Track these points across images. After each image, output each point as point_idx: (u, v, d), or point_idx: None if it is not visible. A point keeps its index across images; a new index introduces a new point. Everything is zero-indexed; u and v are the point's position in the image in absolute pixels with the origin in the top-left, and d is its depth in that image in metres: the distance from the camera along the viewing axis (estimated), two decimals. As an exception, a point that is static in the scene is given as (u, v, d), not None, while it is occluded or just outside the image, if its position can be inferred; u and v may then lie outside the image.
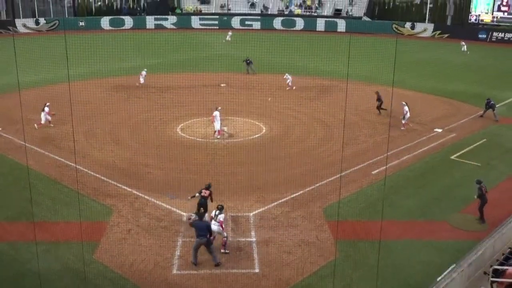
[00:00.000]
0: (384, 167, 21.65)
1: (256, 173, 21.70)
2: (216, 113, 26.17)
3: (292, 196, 19.91)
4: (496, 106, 31.82)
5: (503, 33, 69.57)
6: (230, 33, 63.10)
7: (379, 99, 31.50)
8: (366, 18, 78.97)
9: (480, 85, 40.90)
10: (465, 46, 59.07)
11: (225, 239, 16.19)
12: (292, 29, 75.43)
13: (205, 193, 17.50)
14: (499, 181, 22.07)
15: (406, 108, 28.70)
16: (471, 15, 72.58)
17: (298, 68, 41.18)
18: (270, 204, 19.28)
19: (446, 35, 72.20)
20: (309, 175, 21.83)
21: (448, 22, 76.23)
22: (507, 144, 27.20)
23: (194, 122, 29.10)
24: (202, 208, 17.11)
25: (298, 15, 79.70)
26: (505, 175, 22.83)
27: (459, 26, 73.74)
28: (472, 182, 19.14)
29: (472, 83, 41.26)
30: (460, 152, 25.46)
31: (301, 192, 20.27)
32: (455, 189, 21.06)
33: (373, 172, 22.34)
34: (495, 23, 70.71)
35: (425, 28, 74.43)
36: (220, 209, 16.29)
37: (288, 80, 37.60)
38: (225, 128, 27.25)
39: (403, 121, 28.75)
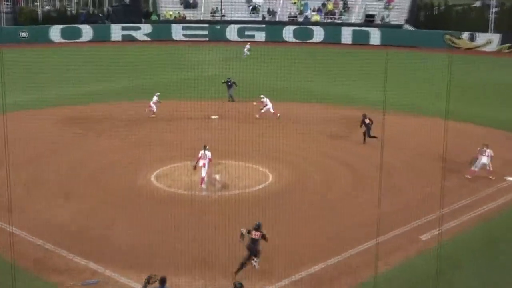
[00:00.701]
0: (438, 231, 21.41)
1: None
2: (205, 153, 26.49)
3: (309, 271, 19.64)
4: None
5: None
6: (248, 46, 64.16)
7: (364, 123, 32.55)
8: (408, 27, 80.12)
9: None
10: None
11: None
12: (308, 41, 76.55)
13: (256, 235, 18.98)
14: None
15: (488, 151, 28.74)
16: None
17: (316, 94, 41.46)
18: (280, 282, 19.01)
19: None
20: (333, 240, 21.59)
21: (520, 32, 77.16)
22: None
23: (175, 168, 29.04)
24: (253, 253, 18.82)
25: (316, 23, 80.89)
26: None
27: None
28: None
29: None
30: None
31: (322, 265, 20.01)
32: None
33: (422, 238, 22.12)
34: None
35: (489, 40, 75.40)
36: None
37: (266, 106, 38.64)
38: (217, 176, 27.17)
39: (473, 168, 28.79)
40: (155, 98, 39.59)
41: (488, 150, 28.89)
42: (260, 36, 77.92)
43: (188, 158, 29.26)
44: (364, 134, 33.67)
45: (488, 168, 28.81)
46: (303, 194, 26.05)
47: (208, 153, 26.86)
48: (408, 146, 32.65)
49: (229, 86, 43.60)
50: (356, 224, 22.88)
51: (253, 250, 19.25)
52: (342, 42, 76.20)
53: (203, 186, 26.50)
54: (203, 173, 26.55)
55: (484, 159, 28.76)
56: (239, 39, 76.11)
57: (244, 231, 19.55)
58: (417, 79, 51.10)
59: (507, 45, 73.81)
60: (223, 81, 43.82)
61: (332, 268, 19.93)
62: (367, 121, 33.99)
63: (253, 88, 41.00)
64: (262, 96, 39.81)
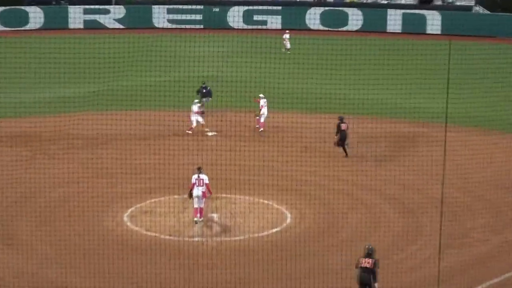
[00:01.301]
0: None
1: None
2: (200, 178, 27.06)
3: None
4: None
5: None
6: (287, 35, 64.78)
7: (340, 128, 34.14)
8: (480, 10, 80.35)
9: None
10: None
11: None
12: (340, 29, 76.76)
13: (367, 262, 20.43)
14: None
15: None
16: None
17: (352, 103, 41.45)
18: None
19: None
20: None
21: None
22: None
23: (156, 204, 29.17)
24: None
25: (352, 4, 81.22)
26: None
27: None
28: None
29: None
30: None
31: None
32: None
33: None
34: None
35: None
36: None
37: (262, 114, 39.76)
38: (215, 216, 27.25)
39: None
40: (195, 108, 40.18)
41: None
42: (275, 22, 78.20)
43: (174, 190, 29.32)
44: (339, 143, 34.97)
45: None
46: (333, 242, 26.00)
47: (205, 177, 27.16)
48: (479, 175, 32.53)
49: (204, 94, 43.63)
50: (409, 284, 22.82)
51: (364, 281, 20.51)
52: (388, 31, 76.47)
53: (199, 219, 26.94)
54: (196, 203, 26.85)
55: None
56: (246, 26, 76.24)
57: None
58: (492, 81, 51.13)
59: None
60: (197, 90, 44.07)
61: None
62: (343, 126, 34.99)
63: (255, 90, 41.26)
64: (261, 95, 40.59)
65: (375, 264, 20.60)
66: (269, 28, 76.00)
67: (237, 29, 75.94)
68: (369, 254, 20.79)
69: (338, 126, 35.04)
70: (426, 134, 37.64)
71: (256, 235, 26.53)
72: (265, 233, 26.76)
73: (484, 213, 28.94)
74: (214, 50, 59.44)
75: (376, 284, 20.40)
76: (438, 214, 25.82)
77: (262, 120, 40.13)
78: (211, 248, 25.34)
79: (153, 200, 29.54)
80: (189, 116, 40.09)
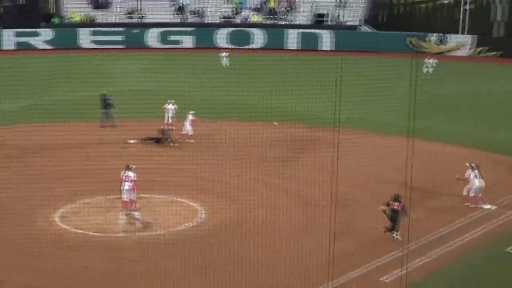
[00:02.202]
0: (401, 271, 21.86)
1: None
2: (128, 174, 27.70)
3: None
4: None
5: None
6: (224, 53, 64.53)
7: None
8: (366, 28, 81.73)
9: None
10: (431, 65, 61.21)
11: None
12: (246, 47, 77.10)
13: (396, 205, 24.59)
14: None
15: (471, 173, 29.90)
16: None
17: (256, 111, 41.73)
18: None
19: (496, 54, 75.02)
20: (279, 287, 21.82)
21: (497, 33, 79.36)
22: None
23: (85, 205, 28.92)
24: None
25: (256, 25, 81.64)
26: None
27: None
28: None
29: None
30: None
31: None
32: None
33: (384, 280, 22.51)
34: None
35: (461, 43, 77.34)
36: None
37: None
38: (136, 214, 27.18)
39: (471, 194, 29.89)
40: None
41: (474, 172, 29.81)
42: (188, 41, 78.29)
43: (101, 192, 29.20)
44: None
45: (474, 194, 29.93)
46: (241, 234, 26.08)
47: (132, 174, 27.78)
48: (368, 172, 33.18)
49: (106, 105, 43.10)
50: (306, 269, 23.07)
51: (393, 218, 25.19)
52: (288, 48, 77.17)
53: (129, 211, 27.22)
54: (126, 196, 27.42)
55: (478, 182, 29.73)
56: (163, 46, 76.36)
57: (383, 207, 25.78)
58: (377, 90, 52.03)
59: (482, 48, 75.86)
60: (101, 102, 43.38)
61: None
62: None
63: (189, 103, 41.30)
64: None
65: (403, 207, 24.84)
66: (183, 47, 76.02)
67: (156, 48, 75.93)
68: (396, 199, 25.12)
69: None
70: (322, 137, 38.03)
71: (173, 229, 26.55)
72: (181, 227, 26.81)
73: (371, 204, 29.41)
74: (134, 67, 59.15)
75: (404, 217, 24.57)
76: (332, 206, 26.27)
77: (186, 129, 40.17)
78: (134, 242, 25.27)
79: (82, 202, 29.31)
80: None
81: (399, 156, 31.18)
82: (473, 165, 30.43)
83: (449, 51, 76.93)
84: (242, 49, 75.67)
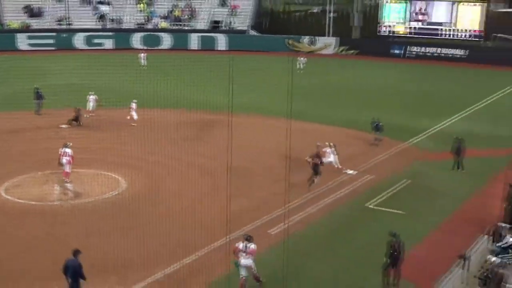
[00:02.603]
0: (284, 224, 22.10)
1: (115, 246, 21.17)
2: (65, 151, 27.41)
3: (165, 271, 19.66)
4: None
5: (419, 47, 75.35)
6: (143, 54, 63.18)
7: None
8: (253, 32, 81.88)
9: (400, 113, 43.72)
10: (303, 61, 62.00)
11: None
12: (157, 48, 76.12)
13: (317, 161, 28.10)
14: (429, 231, 23.52)
15: (330, 150, 30.52)
16: (380, 26, 77.78)
17: (166, 99, 41.27)
18: (135, 284, 18.93)
19: (354, 52, 76.71)
20: (187, 242, 21.68)
21: (355, 35, 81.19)
22: (434, 185, 29.11)
23: (26, 179, 28.13)
24: None
25: (164, 30, 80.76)
26: (434, 224, 24.31)
27: (368, 39, 78.78)
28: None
29: (390, 112, 43.92)
30: (379, 199, 26.86)
31: (177, 266, 20.07)
32: (374, 247, 21.97)
33: (270, 232, 22.80)
34: (410, 35, 76.44)
35: (327, 44, 78.68)
36: (248, 239, 18.72)
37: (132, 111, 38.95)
38: (69, 185, 26.61)
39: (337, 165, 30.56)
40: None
41: (331, 149, 30.33)
42: (109, 43, 76.85)
43: (39, 167, 28.54)
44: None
45: (336, 166, 30.23)
46: (156, 200, 25.96)
47: (68, 150, 27.42)
48: (256, 146, 33.39)
49: (38, 97, 41.41)
50: (209, 226, 23.01)
51: (316, 170, 27.68)
52: (191, 48, 76.73)
53: (67, 180, 27.24)
54: (67, 168, 27.29)
55: (331, 158, 30.16)
56: (88, 47, 74.72)
57: (309, 159, 28.01)
58: (263, 81, 52.36)
59: (344, 47, 77.52)
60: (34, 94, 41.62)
61: (186, 268, 20.10)
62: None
63: (111, 94, 40.39)
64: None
65: (321, 162, 28.24)
66: (105, 48, 74.57)
67: (82, 49, 74.22)
68: (316, 155, 28.16)
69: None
70: (221, 120, 38.04)
71: (100, 197, 26.09)
72: (107, 195, 26.36)
73: (262, 174, 29.75)
74: (64, 65, 57.44)
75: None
76: (228, 175, 26.26)
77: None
78: (67, 209, 24.74)
79: (23, 176, 28.44)
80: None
81: (283, 133, 31.65)
82: (331, 143, 30.90)
83: (318, 50, 78.08)
84: (153, 49, 74.70)
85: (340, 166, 30.53)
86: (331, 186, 28.50)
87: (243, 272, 18.50)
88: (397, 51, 75.64)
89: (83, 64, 56.74)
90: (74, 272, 17.09)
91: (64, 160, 27.52)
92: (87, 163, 29.61)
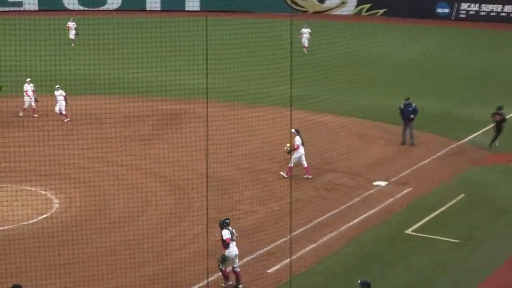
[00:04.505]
0: (287, 261, 22.08)
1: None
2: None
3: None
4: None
5: (477, 4, 75.43)
6: (72, 23, 63.90)
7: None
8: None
9: (447, 99, 43.94)
10: (306, 35, 62.13)
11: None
12: (98, 8, 75.97)
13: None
14: (495, 266, 23.52)
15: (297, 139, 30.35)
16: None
17: (115, 83, 41.26)
18: None
19: (381, 11, 76.73)
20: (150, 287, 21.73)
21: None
22: (500, 201, 29.14)
23: None
24: None
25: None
26: (500, 257, 24.36)
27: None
28: (448, 275, 20.17)
29: (433, 97, 44.02)
30: (422, 222, 26.80)
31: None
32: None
33: (269, 271, 22.74)
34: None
35: (343, 1, 78.61)
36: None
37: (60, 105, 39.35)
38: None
39: (290, 164, 30.24)
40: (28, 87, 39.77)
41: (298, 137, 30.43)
42: (32, 3, 76.52)
43: None
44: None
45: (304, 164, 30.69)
46: (103, 226, 25.66)
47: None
48: (244, 147, 33.31)
49: None
50: (180, 262, 23.00)
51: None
52: (148, 9, 76.54)
53: None
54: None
55: (301, 151, 30.43)
56: (1, 8, 74.69)
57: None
58: (253, 56, 52.31)
59: (366, 5, 77.40)
60: None
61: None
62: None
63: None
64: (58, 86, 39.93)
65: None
66: (26, 9, 74.33)
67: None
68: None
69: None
70: (190, 111, 38.08)
71: (24, 223, 25.86)
72: (33, 220, 26.22)
73: (250, 185, 29.69)
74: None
75: None
76: (205, 190, 26.39)
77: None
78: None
79: None
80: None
81: (279, 127, 31.72)
82: (297, 130, 30.58)
83: (331, 10, 78.24)
84: (94, 11, 74.49)
85: (306, 165, 30.64)
86: (353, 203, 28.47)
87: (235, 264, 21.01)
88: (443, 10, 75.87)
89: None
90: None
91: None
92: (7, 175, 29.45)
